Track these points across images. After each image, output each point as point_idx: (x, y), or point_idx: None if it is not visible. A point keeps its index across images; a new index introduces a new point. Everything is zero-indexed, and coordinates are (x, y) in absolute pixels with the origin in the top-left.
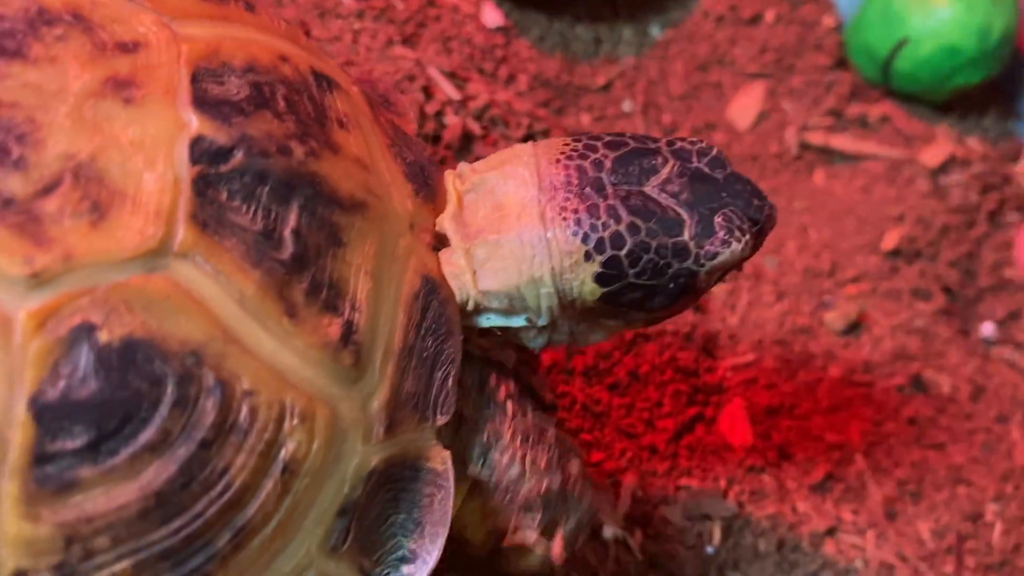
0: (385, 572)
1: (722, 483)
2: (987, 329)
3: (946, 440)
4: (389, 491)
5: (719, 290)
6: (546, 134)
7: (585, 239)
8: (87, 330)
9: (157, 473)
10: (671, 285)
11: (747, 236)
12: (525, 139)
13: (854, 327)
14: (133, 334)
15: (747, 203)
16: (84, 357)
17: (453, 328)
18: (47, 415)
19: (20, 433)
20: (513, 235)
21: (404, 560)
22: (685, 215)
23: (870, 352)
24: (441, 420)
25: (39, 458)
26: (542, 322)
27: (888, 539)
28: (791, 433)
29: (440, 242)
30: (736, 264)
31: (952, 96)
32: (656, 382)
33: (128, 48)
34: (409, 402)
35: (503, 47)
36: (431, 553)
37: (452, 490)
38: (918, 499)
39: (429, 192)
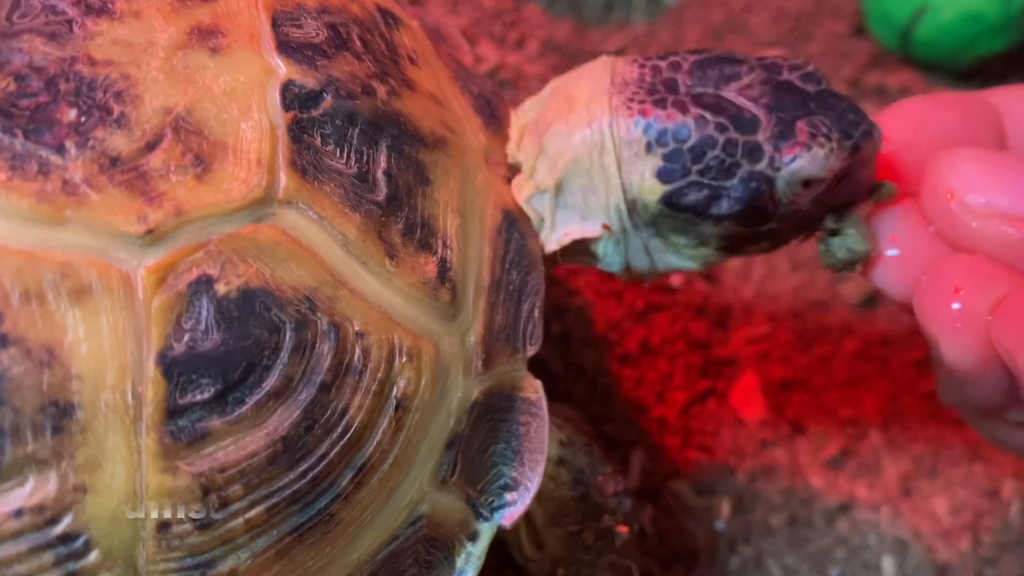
0: (489, 500)
1: (733, 458)
2: None
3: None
4: (489, 422)
5: (733, 261)
6: None
7: (647, 129)
8: (205, 283)
9: (282, 419)
10: (740, 188)
11: (832, 144)
12: None
13: (870, 300)
14: (249, 283)
15: (839, 116)
16: (205, 310)
17: (535, 260)
18: (175, 369)
19: (152, 389)
20: (583, 122)
21: (507, 488)
22: (761, 115)
23: (886, 326)
24: (531, 350)
25: (171, 412)
26: (615, 228)
27: (903, 515)
28: (805, 407)
29: (512, 173)
30: (821, 177)
31: (974, 64)
32: (667, 354)
33: None
34: (501, 334)
35: (513, 11)
36: (532, 480)
37: (546, 418)
38: (934, 475)
39: (497, 124)
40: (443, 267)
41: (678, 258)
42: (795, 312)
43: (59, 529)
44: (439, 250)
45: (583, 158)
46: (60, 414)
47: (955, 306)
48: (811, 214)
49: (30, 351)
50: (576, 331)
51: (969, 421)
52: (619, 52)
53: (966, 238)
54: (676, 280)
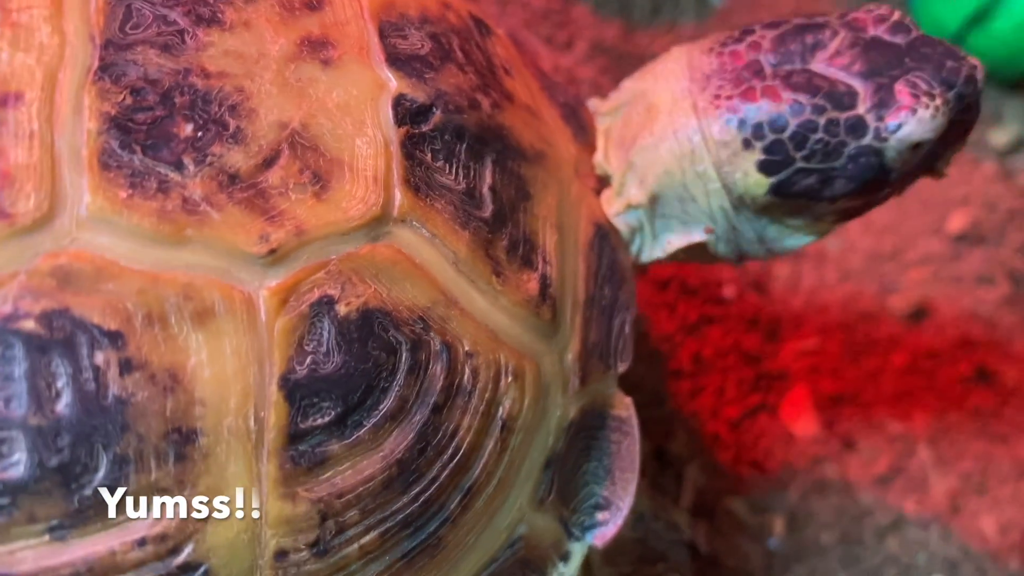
0: (581, 520)
1: (786, 474)
2: None
3: (1010, 432)
4: (582, 440)
5: (782, 271)
6: None
7: (741, 125)
8: (327, 304)
9: (397, 441)
10: (851, 167)
11: (937, 100)
12: None
13: (918, 313)
14: (368, 304)
15: (938, 66)
16: (327, 331)
17: (626, 274)
18: (298, 393)
19: (274, 413)
20: (668, 132)
21: (598, 507)
22: (858, 86)
23: (933, 339)
24: (622, 367)
25: (293, 436)
26: (720, 229)
27: (952, 534)
28: (854, 422)
29: (601, 184)
30: (932, 137)
31: None
32: (720, 368)
33: (314, 5)
34: (595, 352)
35: (561, 12)
36: (624, 500)
37: (637, 435)
38: (982, 492)
39: (584, 134)
40: (544, 284)
41: (795, 238)
42: (844, 324)
43: (180, 559)
44: (540, 266)
45: (674, 170)
46: (183, 440)
47: None
48: (923, 165)
49: (154, 376)
50: None
51: None
52: None
53: None
54: (728, 292)
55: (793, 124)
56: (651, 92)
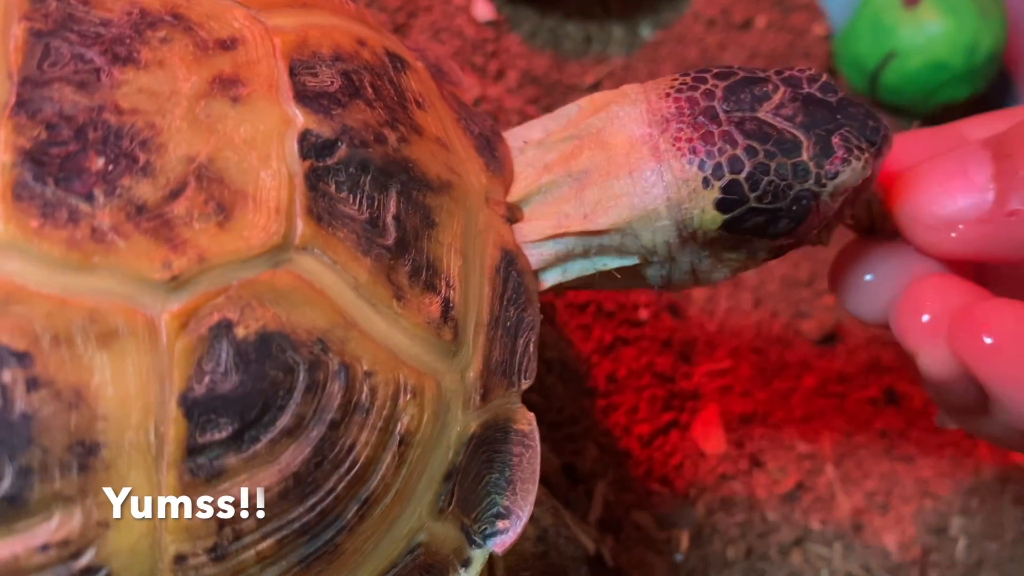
0: (483, 528)
1: (693, 490)
2: None
3: (915, 453)
4: (484, 453)
5: (698, 296)
6: None
7: (702, 165)
8: (225, 327)
9: (294, 456)
10: (793, 208)
11: (866, 155)
12: None
13: (830, 337)
14: (266, 327)
15: (862, 124)
16: (225, 352)
17: (532, 297)
18: (196, 410)
19: (173, 428)
20: (623, 172)
21: (499, 516)
22: (802, 136)
23: (844, 363)
24: (525, 384)
25: (191, 450)
26: (658, 258)
27: (854, 550)
28: (763, 441)
29: (511, 212)
30: (857, 185)
31: (937, 110)
32: (633, 387)
33: (227, 45)
34: (498, 369)
35: (493, 41)
36: (523, 509)
37: (538, 448)
38: (885, 511)
39: (497, 165)
40: (446, 307)
41: (725, 272)
42: (757, 348)
43: (82, 562)
44: (443, 290)
45: (624, 207)
46: (86, 453)
47: (924, 319)
48: (838, 213)
49: (59, 393)
50: (543, 366)
51: (958, 423)
52: (595, 85)
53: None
54: (644, 314)
55: (748, 166)
56: (606, 131)
